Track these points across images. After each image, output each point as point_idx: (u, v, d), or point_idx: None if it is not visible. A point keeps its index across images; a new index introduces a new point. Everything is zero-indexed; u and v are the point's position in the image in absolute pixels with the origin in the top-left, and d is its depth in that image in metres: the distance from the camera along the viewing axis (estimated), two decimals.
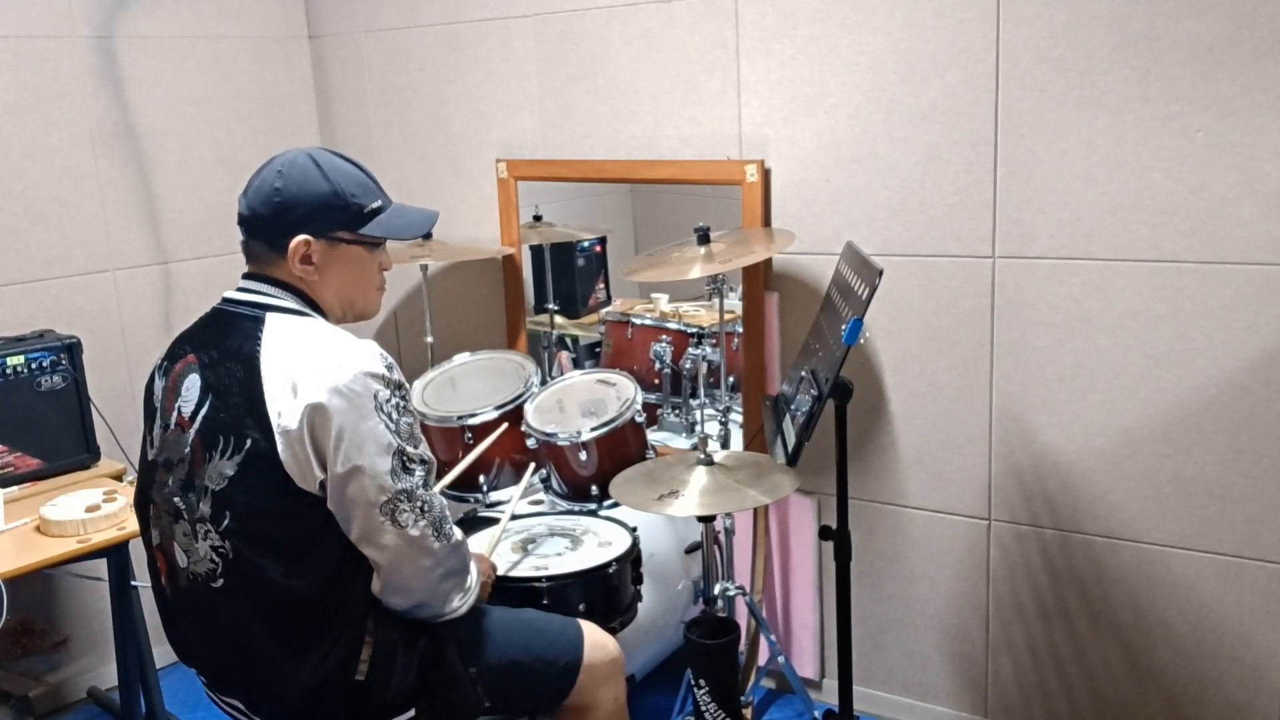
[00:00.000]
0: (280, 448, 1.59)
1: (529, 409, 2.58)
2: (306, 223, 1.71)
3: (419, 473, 1.67)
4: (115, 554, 2.41)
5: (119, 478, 2.62)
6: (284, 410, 1.60)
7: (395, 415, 1.64)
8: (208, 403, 1.67)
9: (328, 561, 1.65)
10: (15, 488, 2.51)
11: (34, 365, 2.56)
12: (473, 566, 1.82)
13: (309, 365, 1.62)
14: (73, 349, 2.62)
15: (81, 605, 3.00)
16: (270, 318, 1.69)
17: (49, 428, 2.59)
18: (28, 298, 2.83)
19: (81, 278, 2.93)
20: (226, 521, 1.64)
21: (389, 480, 1.62)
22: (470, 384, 2.82)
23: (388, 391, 1.64)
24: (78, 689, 3.03)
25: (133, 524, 2.30)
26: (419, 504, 1.66)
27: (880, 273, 1.93)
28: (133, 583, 2.49)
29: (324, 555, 1.65)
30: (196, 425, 1.67)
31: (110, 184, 2.97)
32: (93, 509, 2.31)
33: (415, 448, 1.68)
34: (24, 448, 2.56)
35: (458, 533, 1.75)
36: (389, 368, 1.66)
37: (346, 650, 1.68)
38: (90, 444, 2.66)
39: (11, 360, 2.52)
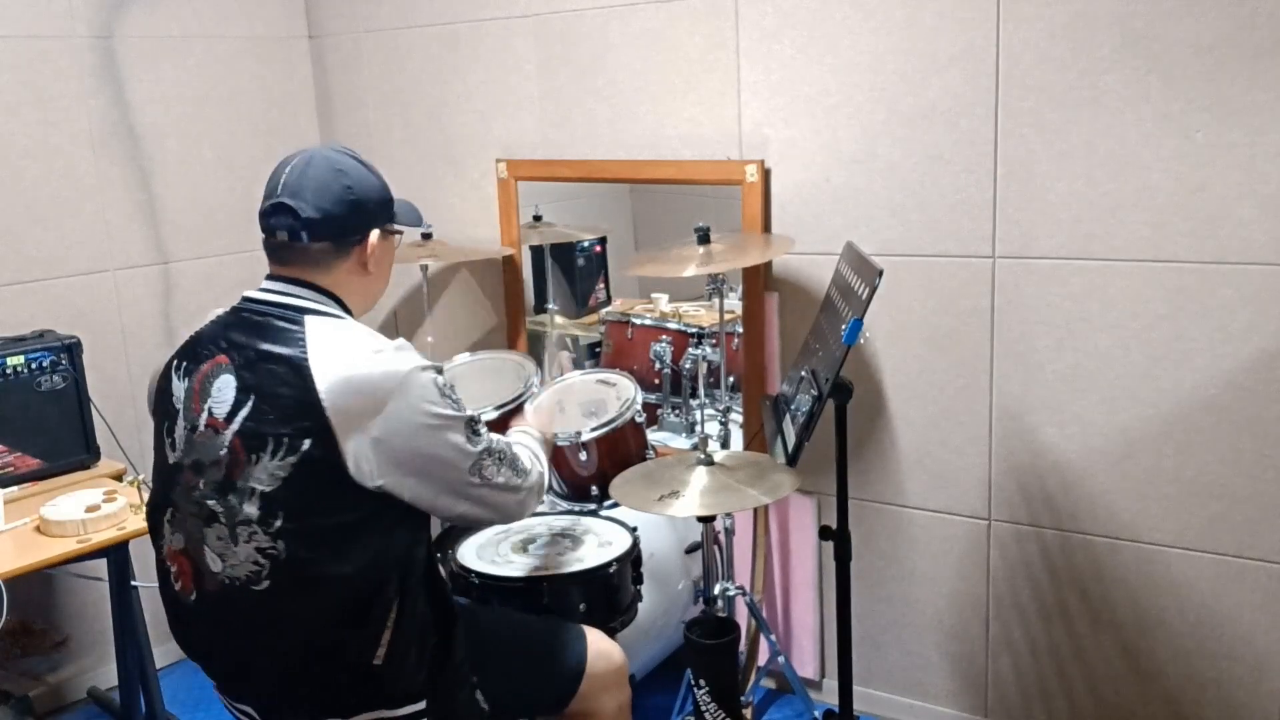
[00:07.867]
0: (345, 451, 1.60)
1: (529, 409, 2.57)
2: (376, 217, 1.77)
3: (483, 430, 1.76)
4: (115, 554, 2.40)
5: (119, 478, 2.62)
6: (347, 414, 1.60)
7: (453, 395, 1.70)
8: (248, 404, 1.64)
9: (370, 544, 1.65)
10: (15, 488, 2.51)
11: (34, 365, 2.56)
12: (537, 464, 1.93)
13: (370, 372, 1.63)
14: (73, 349, 2.62)
15: (81, 605, 3.00)
16: (310, 321, 1.68)
17: (49, 428, 2.59)
18: (28, 298, 2.82)
19: (81, 278, 2.93)
20: (280, 522, 1.62)
21: (470, 447, 1.70)
22: (470, 384, 2.81)
23: (442, 378, 1.70)
24: (78, 689, 3.03)
25: (133, 524, 2.31)
26: (497, 455, 1.77)
27: (880, 273, 1.92)
28: (133, 583, 2.49)
29: (367, 538, 1.65)
30: (235, 427, 1.64)
31: (110, 184, 2.97)
32: (93, 509, 2.30)
33: (474, 413, 1.76)
34: (24, 448, 2.56)
35: (523, 458, 1.86)
36: (422, 358, 1.70)
37: (375, 630, 1.67)
38: (90, 444, 2.66)
39: (11, 360, 2.52)
